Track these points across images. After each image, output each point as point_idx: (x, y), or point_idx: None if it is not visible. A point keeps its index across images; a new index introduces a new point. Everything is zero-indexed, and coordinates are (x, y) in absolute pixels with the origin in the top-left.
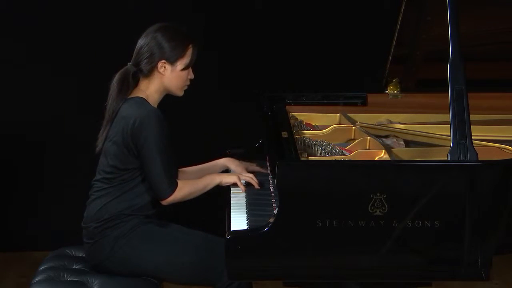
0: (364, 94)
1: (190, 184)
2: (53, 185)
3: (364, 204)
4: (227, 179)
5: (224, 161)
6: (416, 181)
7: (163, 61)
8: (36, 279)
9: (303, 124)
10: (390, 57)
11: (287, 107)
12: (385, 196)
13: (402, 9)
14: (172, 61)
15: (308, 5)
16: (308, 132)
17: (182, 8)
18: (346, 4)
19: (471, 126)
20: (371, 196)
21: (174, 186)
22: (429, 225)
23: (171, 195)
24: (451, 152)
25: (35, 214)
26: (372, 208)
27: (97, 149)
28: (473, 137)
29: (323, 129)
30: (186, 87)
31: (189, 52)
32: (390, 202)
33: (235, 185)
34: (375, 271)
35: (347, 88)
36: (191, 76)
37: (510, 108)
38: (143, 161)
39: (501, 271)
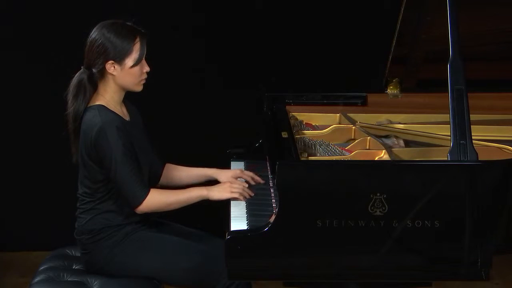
0: (364, 94)
1: (168, 193)
2: (54, 185)
3: (364, 204)
4: (217, 195)
5: (214, 173)
6: (416, 181)
7: (110, 61)
8: (36, 279)
9: (303, 124)
10: (390, 57)
11: (287, 107)
12: (385, 196)
13: (402, 9)
14: (119, 60)
15: (308, 5)
16: (308, 132)
17: (182, 8)
18: (346, 4)
19: (471, 126)
20: (371, 196)
21: (144, 193)
22: (429, 225)
23: (141, 202)
24: (451, 152)
25: (35, 214)
26: (372, 208)
27: (74, 159)
28: (473, 137)
29: (323, 129)
30: (143, 81)
31: (137, 47)
32: (390, 202)
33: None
34: (375, 271)
35: (347, 88)
36: (146, 69)
37: (510, 108)
38: (109, 172)
39: (501, 271)
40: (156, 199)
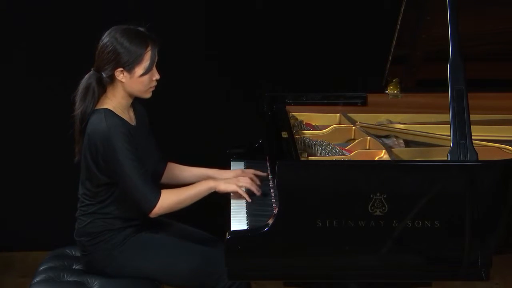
0: (364, 94)
1: (178, 192)
2: (54, 184)
3: (364, 204)
4: (224, 186)
5: (215, 174)
6: (416, 181)
7: (120, 69)
8: (36, 279)
9: (303, 124)
10: (390, 57)
11: (287, 107)
12: (385, 196)
13: (402, 9)
14: (129, 68)
15: (308, 5)
16: (308, 132)
17: (182, 8)
18: (346, 4)
19: (471, 126)
20: (371, 196)
21: (157, 196)
22: (429, 225)
23: (155, 206)
24: (451, 152)
25: (35, 214)
26: (372, 208)
27: (76, 159)
28: (473, 137)
29: (323, 129)
30: (153, 88)
31: (148, 55)
32: (390, 202)
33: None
34: (375, 271)
35: (347, 88)
36: (156, 77)
37: (510, 108)
38: (118, 179)
39: (501, 271)
40: (168, 199)
